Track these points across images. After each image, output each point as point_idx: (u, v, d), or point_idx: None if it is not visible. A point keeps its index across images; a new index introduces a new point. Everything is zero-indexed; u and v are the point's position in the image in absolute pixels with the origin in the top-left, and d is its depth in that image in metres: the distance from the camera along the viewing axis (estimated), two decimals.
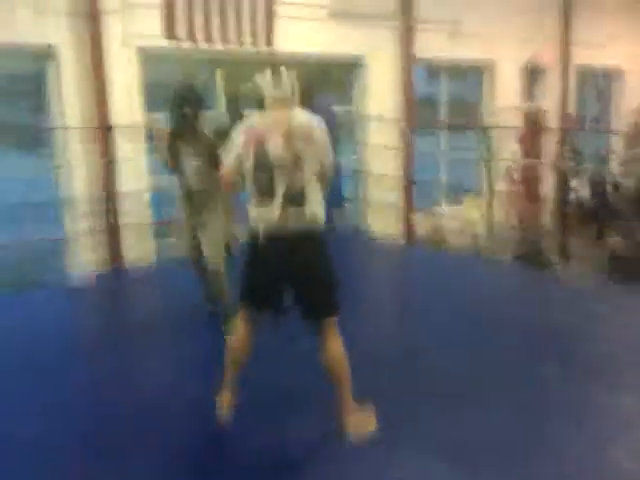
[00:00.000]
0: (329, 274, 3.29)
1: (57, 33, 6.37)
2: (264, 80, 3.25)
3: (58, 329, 4.86)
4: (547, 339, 4.61)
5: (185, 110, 4.62)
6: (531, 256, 8.98)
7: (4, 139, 7.06)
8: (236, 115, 5.12)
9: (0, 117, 7.05)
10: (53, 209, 6.80)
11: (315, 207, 3.20)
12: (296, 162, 3.14)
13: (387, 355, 4.31)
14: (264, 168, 3.15)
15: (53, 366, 4.19)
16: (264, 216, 3.17)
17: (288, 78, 3.25)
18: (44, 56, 6.52)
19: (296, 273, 3.19)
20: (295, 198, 3.14)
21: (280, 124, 3.17)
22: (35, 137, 7.34)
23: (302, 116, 3.25)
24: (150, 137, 6.48)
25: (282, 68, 3.25)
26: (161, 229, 7.36)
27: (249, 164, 3.19)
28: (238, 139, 3.24)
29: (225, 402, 3.35)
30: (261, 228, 3.18)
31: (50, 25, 6.30)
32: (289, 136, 3.14)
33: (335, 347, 3.24)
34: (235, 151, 3.23)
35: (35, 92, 7.26)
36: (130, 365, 4.27)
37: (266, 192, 3.16)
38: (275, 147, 3.14)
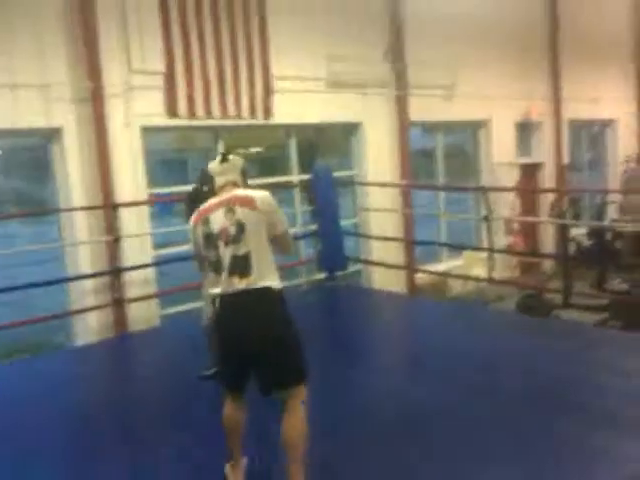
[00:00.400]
0: (288, 337, 3.24)
1: (62, 116, 6.68)
2: (213, 167, 3.49)
3: (63, 395, 5.02)
4: (550, 389, 4.66)
5: (204, 188, 4.87)
6: (533, 304, 9.09)
7: (9, 208, 7.30)
8: None
9: (6, 188, 7.36)
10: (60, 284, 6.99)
11: (264, 274, 3.24)
12: (240, 230, 3.23)
13: (391, 410, 4.40)
14: (210, 242, 3.29)
15: (59, 434, 4.32)
16: (215, 288, 3.28)
17: (235, 164, 3.50)
18: (50, 137, 6.84)
19: (253, 337, 3.18)
20: (241, 266, 3.21)
21: (224, 200, 3.34)
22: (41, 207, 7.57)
23: (245, 190, 3.41)
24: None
25: (230, 156, 3.50)
26: (166, 298, 7.62)
27: (200, 242, 3.36)
28: (190, 224, 3.43)
29: (234, 472, 3.44)
30: (215, 301, 3.29)
31: (55, 109, 6.62)
32: (229, 205, 3.28)
33: (297, 422, 3.20)
34: (191, 235, 3.43)
35: (41, 163, 7.57)
36: (136, 431, 4.39)
37: (215, 264, 3.28)
38: (217, 218, 3.28)
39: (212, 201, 3.39)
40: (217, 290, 3.28)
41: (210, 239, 3.30)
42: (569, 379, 4.83)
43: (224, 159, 3.50)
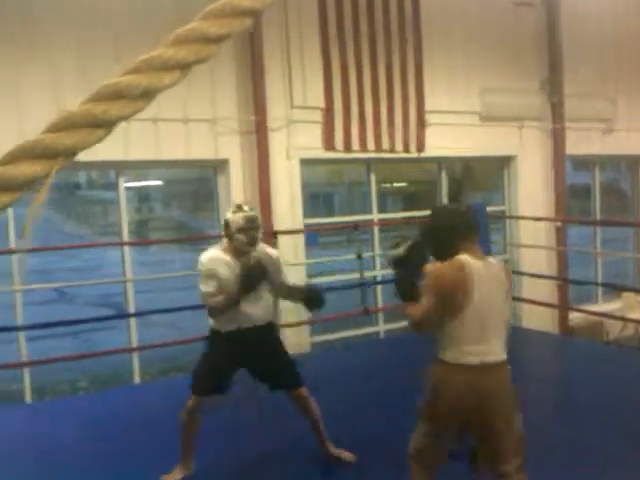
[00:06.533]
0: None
1: (229, 148, 7.07)
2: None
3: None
4: None
5: None
6: None
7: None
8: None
9: (166, 217, 7.78)
10: None
11: None
12: None
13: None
14: None
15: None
16: None
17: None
18: (216, 167, 7.24)
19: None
20: None
21: None
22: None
23: None
24: None
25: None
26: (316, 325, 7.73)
27: None
28: None
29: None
30: None
31: (223, 142, 7.02)
32: None
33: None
34: None
35: (198, 194, 7.94)
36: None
37: None
38: None
39: None
40: None
41: None
42: None
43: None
